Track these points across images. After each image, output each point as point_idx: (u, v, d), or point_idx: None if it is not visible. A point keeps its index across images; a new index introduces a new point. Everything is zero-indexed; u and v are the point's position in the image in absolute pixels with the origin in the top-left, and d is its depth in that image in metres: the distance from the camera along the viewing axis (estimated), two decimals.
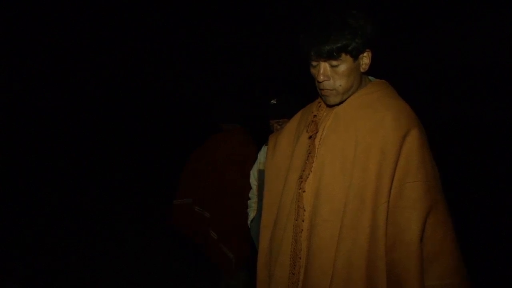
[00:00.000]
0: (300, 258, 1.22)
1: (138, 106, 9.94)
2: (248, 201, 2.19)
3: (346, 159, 1.16)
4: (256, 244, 1.90)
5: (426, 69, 8.51)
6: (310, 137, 1.26)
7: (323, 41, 1.10)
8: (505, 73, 7.75)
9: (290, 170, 1.30)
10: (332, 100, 1.20)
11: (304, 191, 1.23)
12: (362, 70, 1.18)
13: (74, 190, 6.14)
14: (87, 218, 5.01)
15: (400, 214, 1.09)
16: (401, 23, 7.37)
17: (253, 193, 2.16)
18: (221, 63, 9.58)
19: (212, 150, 2.65)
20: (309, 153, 1.24)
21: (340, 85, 1.16)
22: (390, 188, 1.10)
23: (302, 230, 1.22)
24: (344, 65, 1.13)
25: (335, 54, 1.11)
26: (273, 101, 2.02)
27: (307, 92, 1.27)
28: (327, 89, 1.17)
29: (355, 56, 1.13)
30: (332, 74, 1.15)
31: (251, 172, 2.17)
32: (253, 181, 2.15)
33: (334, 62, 1.13)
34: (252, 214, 2.12)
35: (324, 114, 1.28)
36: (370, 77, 1.27)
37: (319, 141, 1.24)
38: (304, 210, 1.22)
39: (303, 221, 1.22)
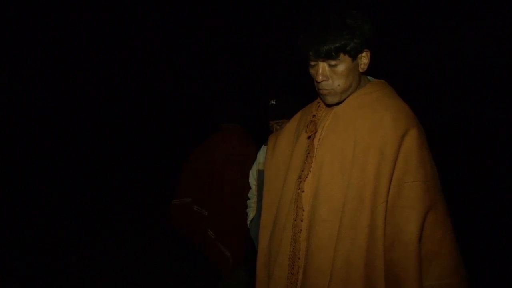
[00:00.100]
0: (299, 258, 1.22)
1: (138, 106, 9.94)
2: (248, 201, 2.19)
3: (345, 159, 1.16)
4: (256, 244, 1.90)
5: (426, 69, 8.51)
6: (309, 137, 1.26)
7: (321, 41, 1.10)
8: (505, 73, 7.75)
9: (289, 170, 1.30)
10: (331, 100, 1.20)
11: (303, 191, 1.23)
12: (360, 70, 1.18)
13: (74, 190, 6.14)
14: (87, 218, 5.02)
15: (399, 214, 1.09)
16: (401, 23, 7.37)
17: (252, 193, 2.16)
18: (221, 63, 9.58)
19: (211, 150, 2.65)
20: (308, 153, 1.24)
21: (339, 85, 1.16)
22: (389, 188, 1.10)
23: (301, 230, 1.22)
24: (342, 65, 1.13)
25: (333, 54, 1.11)
26: (273, 102, 2.02)
27: (307, 92, 1.27)
28: (326, 89, 1.18)
29: (354, 56, 1.13)
30: (330, 74, 1.15)
31: (251, 172, 2.17)
32: (253, 181, 2.15)
33: (333, 62, 1.13)
34: (251, 214, 2.12)
35: (323, 114, 1.28)
36: (369, 77, 1.28)
37: (318, 141, 1.24)
38: (303, 210, 1.22)
39: (302, 221, 1.22)
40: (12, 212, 5.11)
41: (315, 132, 1.25)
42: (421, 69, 8.48)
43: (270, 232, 1.36)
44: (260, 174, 2.03)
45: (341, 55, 1.12)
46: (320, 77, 1.16)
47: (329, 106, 1.25)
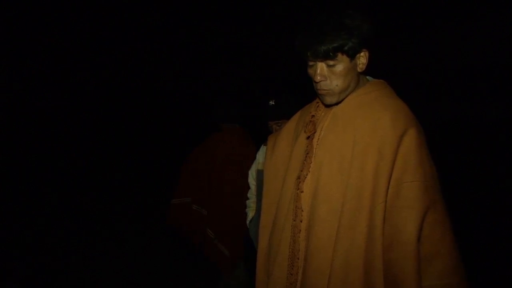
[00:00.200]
0: (298, 259, 1.22)
1: (138, 106, 9.94)
2: (247, 201, 2.19)
3: (343, 159, 1.16)
4: (255, 244, 1.90)
5: (426, 69, 8.51)
6: (308, 138, 1.26)
7: (319, 41, 1.10)
8: (505, 73, 7.75)
9: (288, 170, 1.30)
10: (329, 100, 1.20)
11: (302, 192, 1.23)
12: (359, 70, 1.18)
13: (74, 190, 6.14)
14: (87, 218, 5.02)
15: (398, 214, 1.09)
16: (401, 23, 7.37)
17: (251, 193, 2.16)
18: (221, 63, 9.58)
19: (211, 150, 2.65)
20: (307, 153, 1.24)
21: (337, 85, 1.16)
22: (388, 188, 1.10)
23: (300, 230, 1.22)
24: (340, 65, 1.13)
25: (331, 54, 1.11)
26: (272, 102, 2.02)
27: (307, 92, 1.27)
28: (324, 89, 1.18)
29: (352, 56, 1.13)
30: (329, 74, 1.15)
31: (250, 172, 2.17)
32: (252, 181, 2.15)
33: (331, 62, 1.13)
34: (250, 214, 2.12)
35: (322, 114, 1.28)
36: (368, 77, 1.27)
37: (317, 141, 1.24)
38: (302, 211, 1.22)
39: (301, 221, 1.22)
40: (12, 212, 5.11)
41: (314, 132, 1.25)
42: (421, 69, 8.48)
43: (269, 232, 1.36)
44: (259, 174, 2.03)
45: (339, 55, 1.12)
46: (318, 77, 1.15)
47: (328, 106, 1.25)
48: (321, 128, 1.25)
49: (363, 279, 1.09)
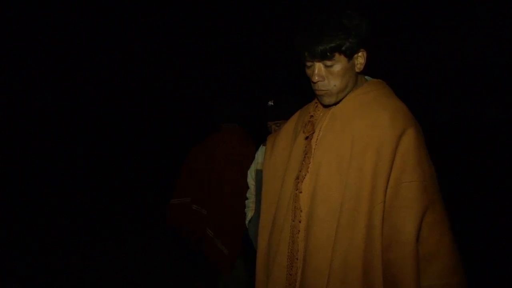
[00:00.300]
0: (297, 259, 1.22)
1: (138, 106, 9.94)
2: (246, 201, 2.19)
3: (342, 159, 1.16)
4: (255, 244, 1.90)
5: (426, 69, 8.51)
6: (306, 138, 1.26)
7: (316, 41, 1.10)
8: (505, 73, 7.76)
9: (287, 170, 1.30)
10: (327, 100, 1.20)
11: (300, 192, 1.23)
12: (357, 70, 1.18)
13: (74, 190, 6.14)
14: (87, 218, 5.02)
15: (396, 214, 1.09)
16: (401, 23, 7.37)
17: (250, 193, 2.16)
18: (221, 63, 9.58)
19: (211, 150, 2.65)
20: (306, 153, 1.24)
21: (335, 85, 1.16)
22: (386, 188, 1.09)
23: (299, 231, 1.22)
24: (338, 65, 1.13)
25: (328, 54, 1.10)
26: (270, 103, 2.02)
27: (307, 93, 1.27)
28: (322, 90, 1.17)
29: (349, 56, 1.13)
30: (326, 74, 1.15)
31: (249, 172, 2.16)
32: (251, 181, 2.15)
33: (328, 63, 1.13)
34: (249, 214, 2.12)
35: (321, 114, 1.28)
36: (366, 77, 1.27)
37: (315, 142, 1.24)
38: (301, 211, 1.22)
39: (300, 222, 1.22)
40: (12, 212, 5.12)
41: (313, 133, 1.25)
42: (421, 69, 8.48)
43: (269, 232, 1.36)
44: (258, 174, 2.03)
45: (337, 55, 1.11)
46: (316, 78, 1.15)
47: (326, 106, 1.25)
48: (320, 129, 1.24)
49: (362, 279, 1.09)
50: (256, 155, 2.15)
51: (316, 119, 1.28)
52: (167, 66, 9.86)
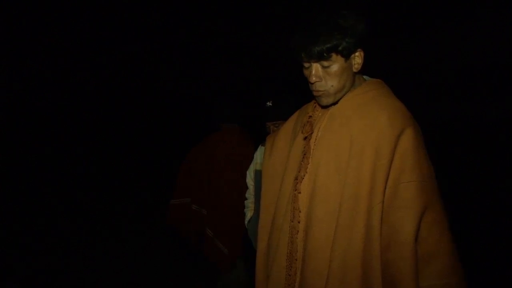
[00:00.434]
0: (296, 260, 1.22)
1: (138, 106, 9.94)
2: (245, 201, 2.19)
3: (341, 159, 1.16)
4: (254, 244, 1.90)
5: (426, 69, 8.51)
6: (305, 138, 1.26)
7: (313, 42, 1.10)
8: (505, 73, 7.76)
9: (286, 171, 1.30)
10: (325, 101, 1.20)
11: (299, 192, 1.23)
12: (354, 70, 1.18)
13: (74, 190, 6.14)
14: (87, 218, 5.02)
15: (395, 214, 1.09)
16: (401, 23, 7.37)
17: (249, 193, 2.16)
18: (221, 63, 9.58)
19: (211, 150, 2.65)
20: (304, 154, 1.24)
21: (332, 86, 1.16)
22: (385, 188, 1.09)
23: (298, 231, 1.22)
24: (335, 65, 1.13)
25: (325, 54, 1.10)
26: (269, 103, 2.02)
27: (307, 93, 1.26)
28: (320, 90, 1.17)
29: (347, 56, 1.13)
30: (324, 75, 1.15)
31: (248, 172, 2.16)
32: (250, 181, 2.15)
33: (326, 63, 1.13)
34: (249, 214, 2.12)
35: (320, 114, 1.28)
36: (365, 77, 1.27)
37: (314, 142, 1.24)
38: (300, 211, 1.22)
39: (298, 222, 1.22)
40: (12, 212, 5.12)
41: (311, 133, 1.25)
42: (421, 69, 8.48)
43: (268, 232, 1.36)
44: (257, 174, 2.03)
45: (333, 55, 1.11)
46: (314, 78, 1.15)
47: (325, 107, 1.25)
48: (318, 129, 1.24)
49: (361, 279, 1.09)
50: (255, 155, 2.15)
51: (314, 119, 1.28)
52: (167, 66, 9.86)
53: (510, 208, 4.90)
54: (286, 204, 1.26)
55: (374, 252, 1.08)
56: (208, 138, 2.72)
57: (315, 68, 1.15)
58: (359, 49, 1.15)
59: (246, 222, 2.14)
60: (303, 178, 1.23)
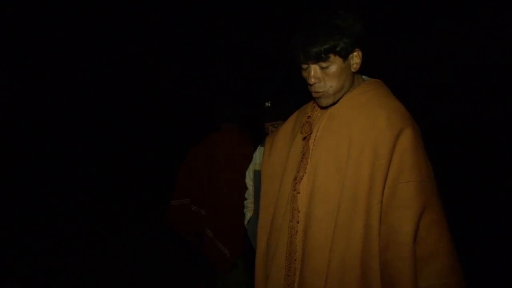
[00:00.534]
0: (295, 260, 1.22)
1: (138, 106, 9.94)
2: (245, 202, 2.19)
3: (340, 159, 1.16)
4: (254, 244, 1.90)
5: (426, 69, 8.51)
6: (304, 138, 1.26)
7: (310, 43, 1.10)
8: (505, 73, 7.76)
9: (285, 171, 1.30)
10: (324, 101, 1.20)
11: (298, 193, 1.23)
12: (353, 70, 1.18)
13: (74, 190, 6.14)
14: (87, 218, 5.02)
15: (394, 214, 1.08)
16: (401, 23, 7.37)
17: (249, 194, 2.16)
18: (221, 63, 9.58)
19: (210, 150, 2.65)
20: (303, 154, 1.24)
21: (331, 87, 1.16)
22: (384, 188, 1.09)
23: (297, 231, 1.22)
24: (334, 66, 1.13)
25: (323, 55, 1.10)
26: (267, 104, 2.01)
27: (307, 93, 1.26)
28: (319, 91, 1.18)
29: (345, 56, 1.13)
30: (322, 76, 1.15)
31: (247, 172, 2.16)
32: (249, 181, 2.14)
33: (324, 64, 1.13)
34: (248, 214, 2.12)
35: (318, 115, 1.28)
36: (363, 76, 1.27)
37: (313, 142, 1.24)
38: (299, 212, 1.22)
39: (298, 222, 1.22)
40: (12, 212, 5.12)
41: (310, 133, 1.25)
42: (421, 69, 8.48)
43: (267, 232, 1.36)
44: (257, 174, 2.03)
45: (332, 56, 1.11)
46: (313, 80, 1.15)
47: (323, 107, 1.25)
48: (317, 129, 1.24)
49: (360, 280, 1.09)
50: (254, 155, 2.15)
51: (313, 119, 1.28)
52: (167, 66, 9.86)
53: (510, 208, 4.90)
54: (285, 205, 1.26)
55: (373, 252, 1.08)
56: (208, 138, 2.72)
57: (314, 69, 1.15)
58: (357, 49, 1.15)
59: (245, 222, 2.14)
60: (302, 179, 1.23)
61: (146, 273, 3.63)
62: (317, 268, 1.14)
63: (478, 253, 3.63)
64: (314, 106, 1.31)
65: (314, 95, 1.20)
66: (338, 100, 1.21)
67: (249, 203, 2.15)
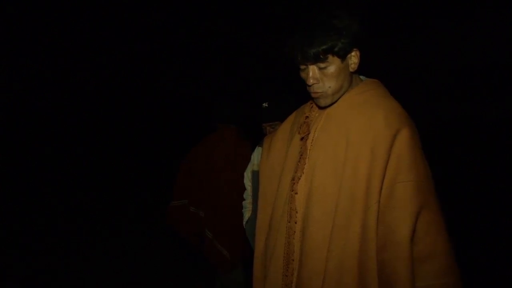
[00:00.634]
0: (293, 260, 1.22)
1: (138, 106, 9.94)
2: (243, 202, 2.19)
3: (337, 159, 1.16)
4: (252, 244, 1.90)
5: (426, 69, 8.51)
6: (302, 139, 1.27)
7: (308, 44, 1.10)
8: (505, 73, 7.75)
9: (283, 171, 1.30)
10: (323, 102, 1.20)
11: (296, 193, 1.23)
12: (351, 70, 1.18)
13: (74, 190, 6.14)
14: (87, 218, 5.02)
15: (391, 214, 1.08)
16: (401, 23, 7.37)
17: (247, 194, 2.16)
18: (221, 63, 9.58)
19: (210, 150, 2.64)
20: (301, 154, 1.24)
21: (330, 87, 1.16)
22: (381, 188, 1.09)
23: (294, 232, 1.22)
24: (332, 66, 1.13)
25: (321, 56, 1.11)
26: (265, 105, 2.01)
27: (305, 93, 1.26)
28: (318, 92, 1.18)
29: (343, 56, 1.13)
30: (321, 76, 1.15)
31: (245, 173, 2.16)
32: (247, 182, 2.14)
33: (322, 65, 1.13)
34: (247, 214, 2.12)
35: (316, 115, 1.28)
36: (361, 76, 1.27)
37: (311, 143, 1.24)
38: (297, 212, 1.22)
39: (295, 223, 1.22)
40: (12, 212, 5.12)
41: (308, 134, 1.25)
42: (421, 69, 8.48)
43: (266, 233, 1.36)
44: (255, 175, 2.03)
45: (330, 56, 1.12)
46: (311, 80, 1.15)
47: (322, 108, 1.25)
48: (315, 129, 1.24)
49: (358, 280, 1.09)
50: (252, 156, 2.15)
51: (311, 120, 1.28)
52: (167, 66, 9.86)
53: (510, 208, 4.90)
54: (283, 205, 1.26)
55: (371, 253, 1.08)
56: (207, 138, 2.72)
57: (312, 70, 1.15)
58: (355, 49, 1.15)
59: (244, 222, 2.14)
60: (300, 179, 1.23)
61: (146, 273, 3.63)
62: (315, 268, 1.14)
63: (478, 253, 3.63)
64: (312, 106, 1.31)
65: (313, 95, 1.20)
66: (336, 100, 1.21)
67: (247, 204, 2.15)
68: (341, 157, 1.16)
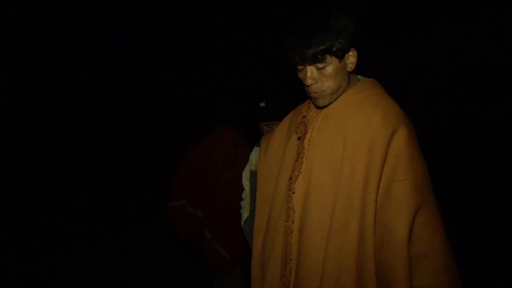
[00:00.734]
0: (290, 260, 1.22)
1: (138, 106, 9.95)
2: (241, 202, 2.18)
3: (334, 159, 1.16)
4: (250, 244, 1.90)
5: (426, 69, 8.51)
6: (299, 138, 1.26)
7: (306, 45, 1.10)
8: (505, 73, 7.76)
9: (281, 171, 1.30)
10: (322, 102, 1.20)
11: (293, 193, 1.23)
12: (349, 70, 1.18)
13: (74, 190, 6.14)
14: (87, 218, 5.02)
15: (388, 214, 1.08)
16: (401, 23, 7.37)
17: (245, 194, 2.16)
18: (221, 63, 9.58)
19: (209, 150, 2.64)
20: (298, 154, 1.24)
21: (328, 87, 1.16)
22: (378, 188, 1.09)
23: (292, 231, 1.22)
24: (330, 66, 1.13)
25: (319, 57, 1.10)
26: (262, 104, 2.01)
27: (304, 93, 1.26)
28: (316, 92, 1.18)
29: (341, 56, 1.13)
30: (319, 76, 1.15)
31: (243, 173, 2.16)
32: (245, 182, 2.14)
33: (320, 65, 1.13)
34: (245, 215, 2.12)
35: (314, 114, 1.28)
36: (358, 76, 1.27)
37: (308, 142, 1.24)
38: (294, 212, 1.22)
39: (293, 222, 1.22)
40: (12, 212, 5.12)
41: (305, 133, 1.25)
42: (421, 69, 8.48)
43: (264, 233, 1.36)
44: (253, 175, 2.03)
45: (328, 57, 1.11)
46: (309, 81, 1.15)
47: (320, 108, 1.25)
48: (312, 129, 1.24)
49: (355, 279, 1.09)
50: (250, 156, 2.15)
51: (308, 119, 1.28)
52: (167, 66, 9.86)
53: (510, 208, 4.90)
54: (281, 205, 1.26)
55: (368, 253, 1.07)
56: (206, 138, 2.71)
57: (310, 71, 1.15)
58: (352, 49, 1.15)
59: (242, 222, 2.14)
60: (297, 178, 1.23)
61: (146, 273, 3.63)
62: (313, 268, 1.14)
63: (478, 253, 3.63)
64: (309, 106, 1.31)
65: (311, 95, 1.20)
66: (334, 100, 1.21)
67: (245, 204, 2.15)
68: (338, 157, 1.15)
